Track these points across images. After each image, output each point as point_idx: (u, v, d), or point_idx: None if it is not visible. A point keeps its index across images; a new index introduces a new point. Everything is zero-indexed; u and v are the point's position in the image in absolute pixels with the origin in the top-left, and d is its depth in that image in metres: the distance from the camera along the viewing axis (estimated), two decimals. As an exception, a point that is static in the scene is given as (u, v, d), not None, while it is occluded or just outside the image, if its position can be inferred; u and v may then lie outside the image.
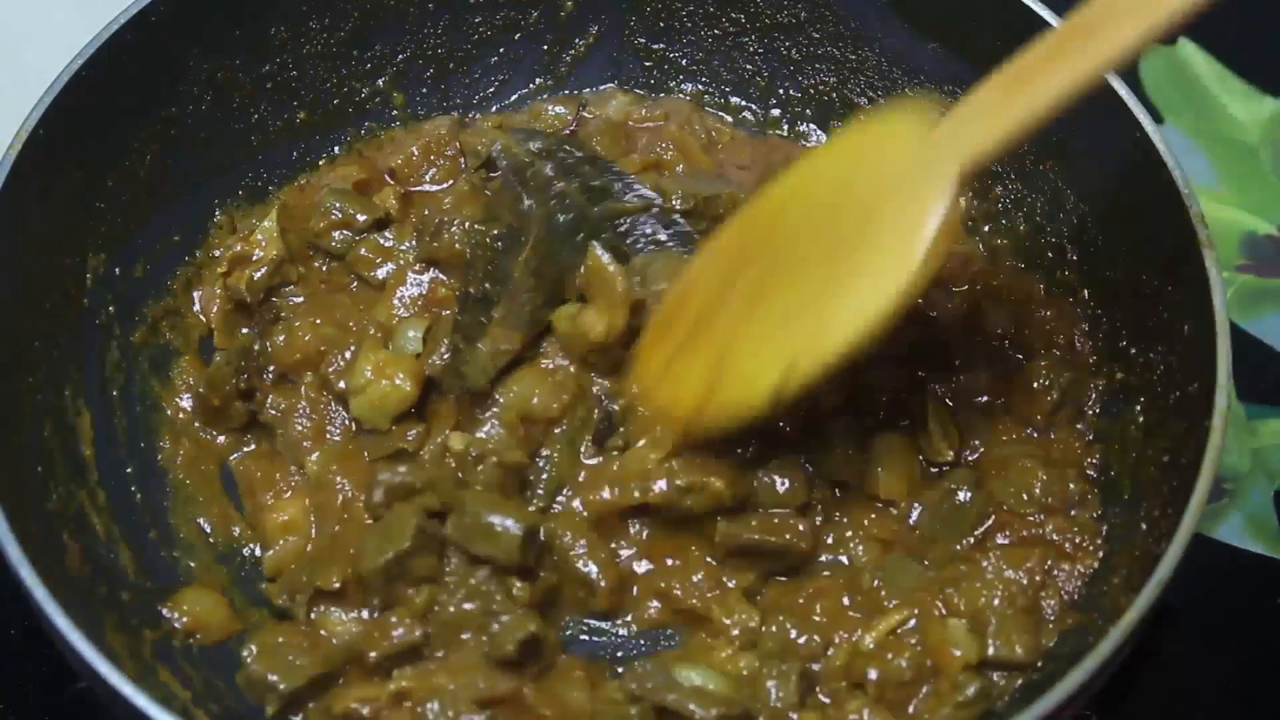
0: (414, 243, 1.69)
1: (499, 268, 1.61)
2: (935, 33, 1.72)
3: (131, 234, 1.65)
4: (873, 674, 1.44)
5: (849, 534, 1.56)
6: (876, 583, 1.51)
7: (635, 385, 1.57)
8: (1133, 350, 1.57)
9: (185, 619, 1.52)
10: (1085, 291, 1.65)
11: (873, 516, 1.56)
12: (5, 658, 1.61)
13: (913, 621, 1.48)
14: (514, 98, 1.87)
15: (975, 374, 1.61)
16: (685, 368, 1.52)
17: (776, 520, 1.53)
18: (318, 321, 1.66)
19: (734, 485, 1.52)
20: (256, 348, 1.65)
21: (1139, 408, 1.54)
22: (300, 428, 1.62)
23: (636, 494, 1.53)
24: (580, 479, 1.57)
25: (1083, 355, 1.63)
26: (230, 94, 1.72)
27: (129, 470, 1.60)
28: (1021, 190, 1.72)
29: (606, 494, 1.54)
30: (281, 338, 1.65)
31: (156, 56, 1.63)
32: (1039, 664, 1.44)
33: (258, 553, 1.59)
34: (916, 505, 1.57)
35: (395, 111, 1.83)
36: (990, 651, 1.44)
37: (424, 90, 1.84)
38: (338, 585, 1.49)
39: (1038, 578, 1.49)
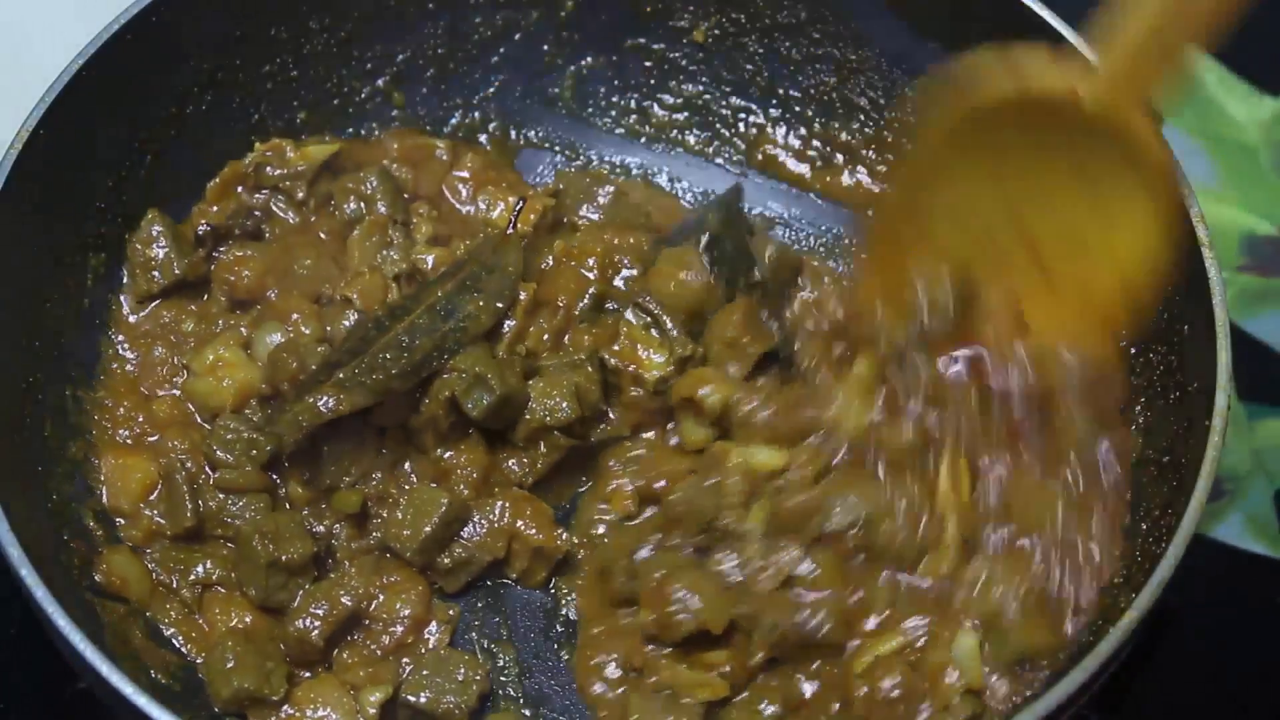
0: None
1: (364, 338, 1.54)
2: (935, 33, 1.72)
3: (131, 234, 1.65)
4: (862, 690, 1.43)
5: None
6: (889, 611, 1.49)
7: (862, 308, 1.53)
8: (1132, 350, 1.57)
9: (114, 578, 1.48)
10: (1085, 291, 1.65)
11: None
12: (5, 658, 1.61)
13: (921, 640, 1.46)
14: (514, 97, 1.87)
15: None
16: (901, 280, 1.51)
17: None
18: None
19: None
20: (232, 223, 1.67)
21: (1138, 407, 1.54)
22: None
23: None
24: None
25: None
26: (230, 94, 1.72)
27: (129, 470, 1.60)
28: (1021, 190, 1.72)
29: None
30: (247, 252, 1.65)
31: (156, 56, 1.63)
32: (1060, 655, 1.43)
33: None
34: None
35: (395, 112, 1.83)
36: (1019, 644, 1.43)
37: (424, 90, 1.84)
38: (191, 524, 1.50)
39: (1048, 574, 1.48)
